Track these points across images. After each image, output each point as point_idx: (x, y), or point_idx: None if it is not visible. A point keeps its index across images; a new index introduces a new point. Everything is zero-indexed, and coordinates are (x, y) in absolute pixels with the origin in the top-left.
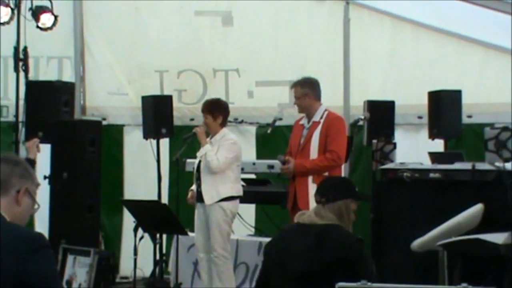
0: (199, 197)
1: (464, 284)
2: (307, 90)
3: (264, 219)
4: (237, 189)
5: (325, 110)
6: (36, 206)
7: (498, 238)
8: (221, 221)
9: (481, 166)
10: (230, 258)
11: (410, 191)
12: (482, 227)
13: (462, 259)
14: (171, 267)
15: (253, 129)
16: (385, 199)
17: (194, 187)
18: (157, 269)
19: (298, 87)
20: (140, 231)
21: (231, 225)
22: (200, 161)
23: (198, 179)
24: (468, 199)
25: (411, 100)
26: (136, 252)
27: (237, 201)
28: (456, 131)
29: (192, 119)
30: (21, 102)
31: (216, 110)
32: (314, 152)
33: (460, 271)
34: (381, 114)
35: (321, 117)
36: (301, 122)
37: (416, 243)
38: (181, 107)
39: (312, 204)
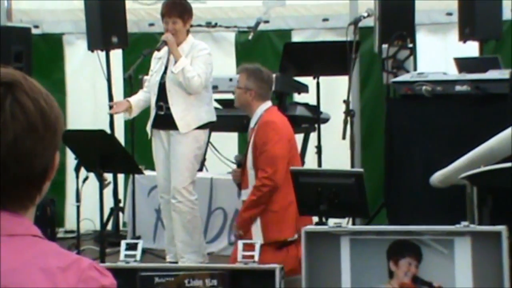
0: (162, 123)
1: (465, 223)
2: (251, 84)
3: None
4: (213, 114)
5: (264, 110)
6: None
7: None
8: (192, 156)
9: None
10: (197, 203)
11: (431, 109)
12: None
13: (493, 194)
14: (127, 216)
15: (231, 36)
16: (400, 120)
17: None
18: (111, 220)
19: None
20: (83, 171)
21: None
22: (162, 78)
23: (162, 101)
24: (504, 118)
25: None
26: (79, 198)
27: (208, 128)
28: (496, 30)
29: (151, 24)
30: None
31: (186, 12)
32: (251, 178)
33: (490, 209)
34: (397, 11)
35: (256, 123)
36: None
37: (437, 176)
38: (137, 8)
39: None
